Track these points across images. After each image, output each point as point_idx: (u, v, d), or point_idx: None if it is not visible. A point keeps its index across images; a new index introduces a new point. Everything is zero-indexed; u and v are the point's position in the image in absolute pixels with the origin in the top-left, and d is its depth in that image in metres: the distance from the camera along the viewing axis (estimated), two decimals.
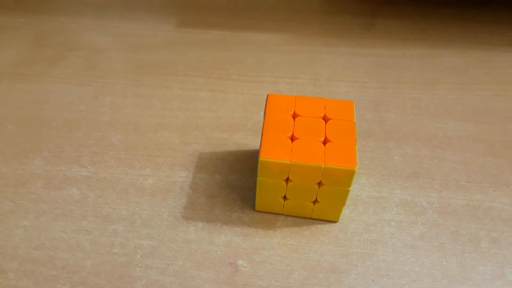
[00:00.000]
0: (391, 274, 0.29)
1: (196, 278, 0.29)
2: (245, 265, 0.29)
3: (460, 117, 0.39)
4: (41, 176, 0.34)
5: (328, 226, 0.31)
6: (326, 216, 0.31)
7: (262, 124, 0.37)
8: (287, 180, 0.29)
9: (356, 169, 0.27)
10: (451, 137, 0.37)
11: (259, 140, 0.37)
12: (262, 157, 0.27)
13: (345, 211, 0.32)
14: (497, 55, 0.45)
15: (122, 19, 0.50)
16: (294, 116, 0.30)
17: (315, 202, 0.30)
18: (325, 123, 0.29)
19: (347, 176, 0.27)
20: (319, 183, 0.28)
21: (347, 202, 0.32)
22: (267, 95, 0.31)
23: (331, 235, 0.31)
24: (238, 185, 0.34)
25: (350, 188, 0.28)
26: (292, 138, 0.29)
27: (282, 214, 0.32)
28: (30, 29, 0.48)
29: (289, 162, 0.27)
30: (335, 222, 0.32)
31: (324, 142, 0.28)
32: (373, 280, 0.29)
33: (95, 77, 0.43)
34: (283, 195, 0.30)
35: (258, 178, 0.29)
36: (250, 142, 0.37)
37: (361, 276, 0.29)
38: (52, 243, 0.30)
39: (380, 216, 0.32)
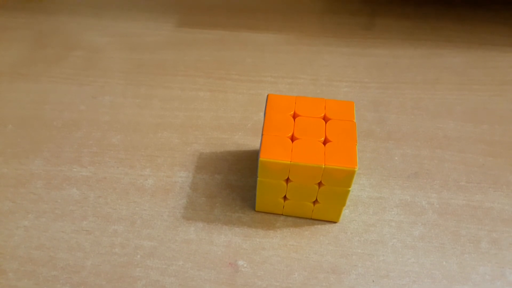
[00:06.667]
0: (391, 275, 0.29)
1: (196, 278, 0.29)
2: (245, 265, 0.29)
3: (460, 117, 0.39)
4: (41, 176, 0.34)
5: (328, 227, 0.31)
6: (326, 216, 0.31)
7: (262, 124, 0.37)
8: (287, 180, 0.29)
9: (356, 169, 0.27)
10: (451, 138, 0.37)
11: (259, 140, 0.37)
12: (262, 157, 0.27)
13: (345, 212, 0.32)
14: (497, 55, 0.45)
15: (122, 19, 0.50)
16: (294, 116, 0.30)
17: (315, 202, 0.30)
18: (325, 123, 0.29)
19: (347, 176, 0.27)
20: (319, 183, 0.28)
21: (347, 202, 0.32)
22: (267, 95, 0.31)
23: (331, 236, 0.31)
24: (238, 185, 0.34)
25: (350, 189, 0.28)
26: (292, 138, 0.29)
27: (282, 214, 0.32)
28: (30, 29, 0.48)
29: (289, 162, 0.27)
30: (335, 222, 0.32)
31: (324, 142, 0.28)
32: (373, 281, 0.29)
33: (95, 77, 0.43)
34: (283, 195, 0.30)
35: (258, 178, 0.29)
36: (250, 142, 0.37)
37: (361, 276, 0.29)
38: (52, 243, 0.30)
39: (380, 216, 0.32)
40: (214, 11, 0.51)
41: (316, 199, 0.30)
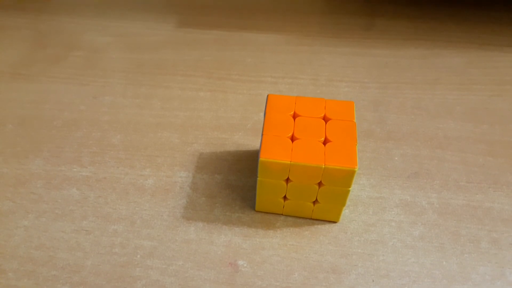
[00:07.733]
0: (391, 275, 0.29)
1: (196, 278, 0.29)
2: (245, 265, 0.29)
3: (460, 117, 0.39)
4: (41, 176, 0.34)
5: (328, 226, 0.31)
6: (326, 216, 0.31)
7: (262, 124, 0.37)
8: (287, 180, 0.29)
9: (356, 169, 0.27)
10: (451, 138, 0.37)
11: (259, 140, 0.37)
12: (262, 157, 0.27)
13: (345, 212, 0.32)
14: (497, 55, 0.45)
15: (122, 19, 0.50)
16: (294, 116, 0.30)
17: (315, 202, 0.30)
18: (325, 123, 0.29)
19: (347, 176, 0.27)
20: (319, 183, 0.28)
21: (347, 202, 0.32)
22: (267, 95, 0.31)
23: (331, 236, 0.31)
24: (238, 185, 0.34)
25: (350, 188, 0.28)
26: (292, 138, 0.29)
27: (282, 214, 0.32)
28: (30, 29, 0.48)
29: (289, 162, 0.27)
30: (335, 222, 0.32)
31: (324, 142, 0.28)
32: (373, 280, 0.29)
33: (95, 77, 0.43)
34: (283, 195, 0.30)
35: (258, 178, 0.29)
36: (250, 142, 0.37)
37: (361, 276, 0.29)
38: (52, 243, 0.30)
39: (380, 216, 0.32)
40: (214, 11, 0.51)
41: (316, 199, 0.30)
